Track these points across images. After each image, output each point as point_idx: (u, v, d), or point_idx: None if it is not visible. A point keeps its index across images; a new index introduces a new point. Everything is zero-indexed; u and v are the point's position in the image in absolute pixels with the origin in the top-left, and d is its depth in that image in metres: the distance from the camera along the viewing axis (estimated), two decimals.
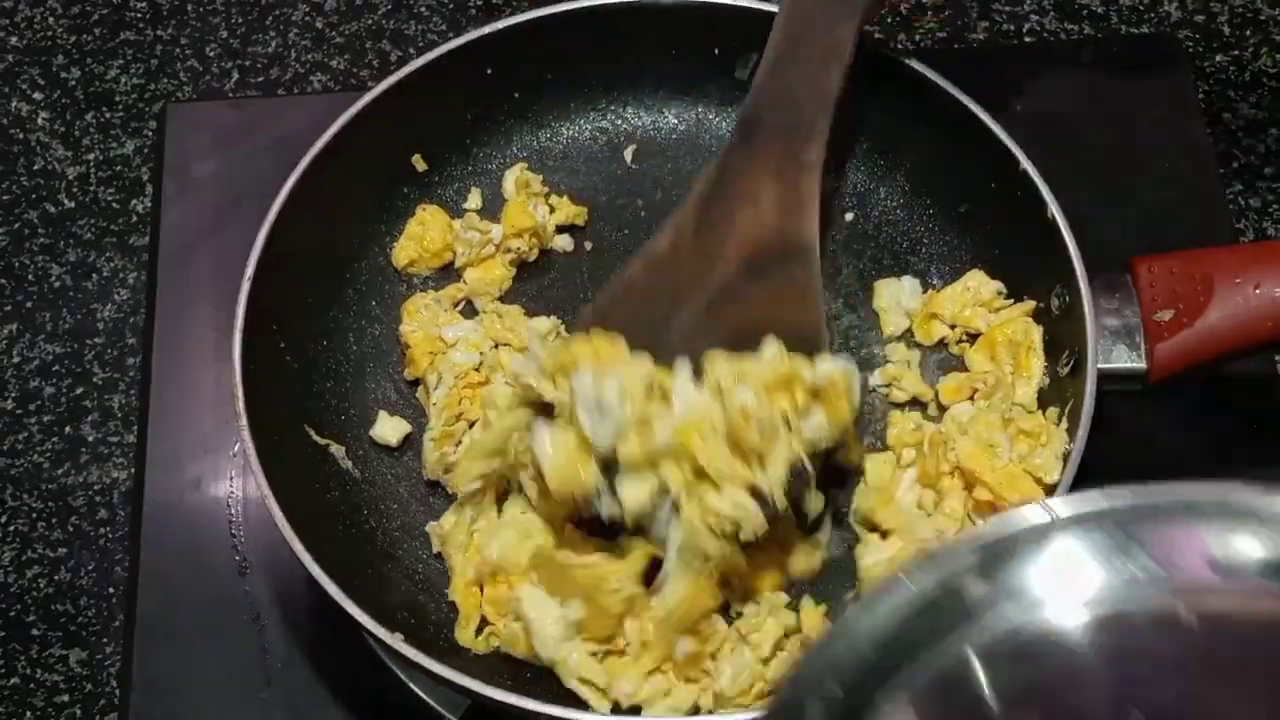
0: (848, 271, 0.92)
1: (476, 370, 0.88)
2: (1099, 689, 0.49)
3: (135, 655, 0.87)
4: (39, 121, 1.08)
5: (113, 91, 1.09)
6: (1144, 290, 0.81)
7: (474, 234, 0.91)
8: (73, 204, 1.04)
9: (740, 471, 0.73)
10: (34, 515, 0.93)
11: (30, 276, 1.02)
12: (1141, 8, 1.10)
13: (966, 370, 0.88)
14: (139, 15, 1.12)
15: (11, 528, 0.93)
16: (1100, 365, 0.79)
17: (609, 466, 0.74)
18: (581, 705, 0.76)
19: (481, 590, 0.81)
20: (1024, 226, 0.85)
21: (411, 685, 0.84)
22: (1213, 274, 0.80)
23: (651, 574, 0.77)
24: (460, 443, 0.85)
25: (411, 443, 0.87)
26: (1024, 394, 0.83)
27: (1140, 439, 0.91)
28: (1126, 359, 0.80)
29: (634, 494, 0.73)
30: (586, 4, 0.92)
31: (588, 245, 0.94)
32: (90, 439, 0.96)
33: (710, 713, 0.76)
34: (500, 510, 0.83)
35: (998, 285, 0.88)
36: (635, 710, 0.76)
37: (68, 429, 0.96)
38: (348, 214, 0.91)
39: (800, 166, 0.83)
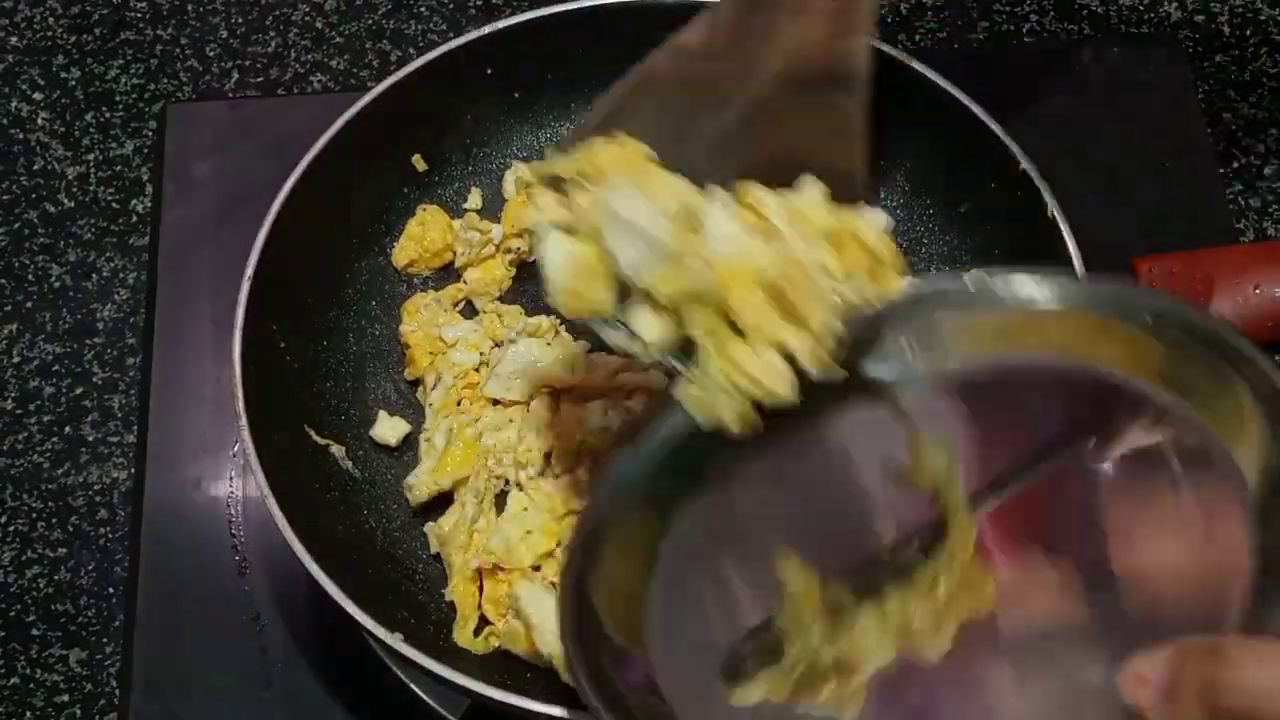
0: None
1: (476, 370, 0.88)
2: None
3: (135, 655, 0.87)
4: (39, 121, 1.08)
5: (113, 91, 1.09)
6: None
7: (474, 234, 0.91)
8: (73, 204, 1.04)
9: (779, 329, 0.62)
10: (34, 515, 0.93)
11: (30, 276, 1.02)
12: (1141, 8, 1.10)
13: None
14: (139, 15, 1.12)
15: (11, 528, 0.93)
16: None
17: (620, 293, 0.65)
18: (581, 706, 0.76)
19: (480, 590, 0.81)
20: (1024, 227, 0.85)
21: (411, 685, 0.84)
22: (1213, 274, 0.80)
23: None
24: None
25: (411, 443, 0.87)
26: None
27: None
28: None
29: (652, 326, 0.64)
30: (586, 4, 0.92)
31: None
32: (90, 439, 0.96)
33: None
34: (500, 509, 0.83)
35: None
36: None
37: (68, 429, 0.96)
38: (347, 214, 0.91)
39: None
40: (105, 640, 0.90)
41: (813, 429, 0.64)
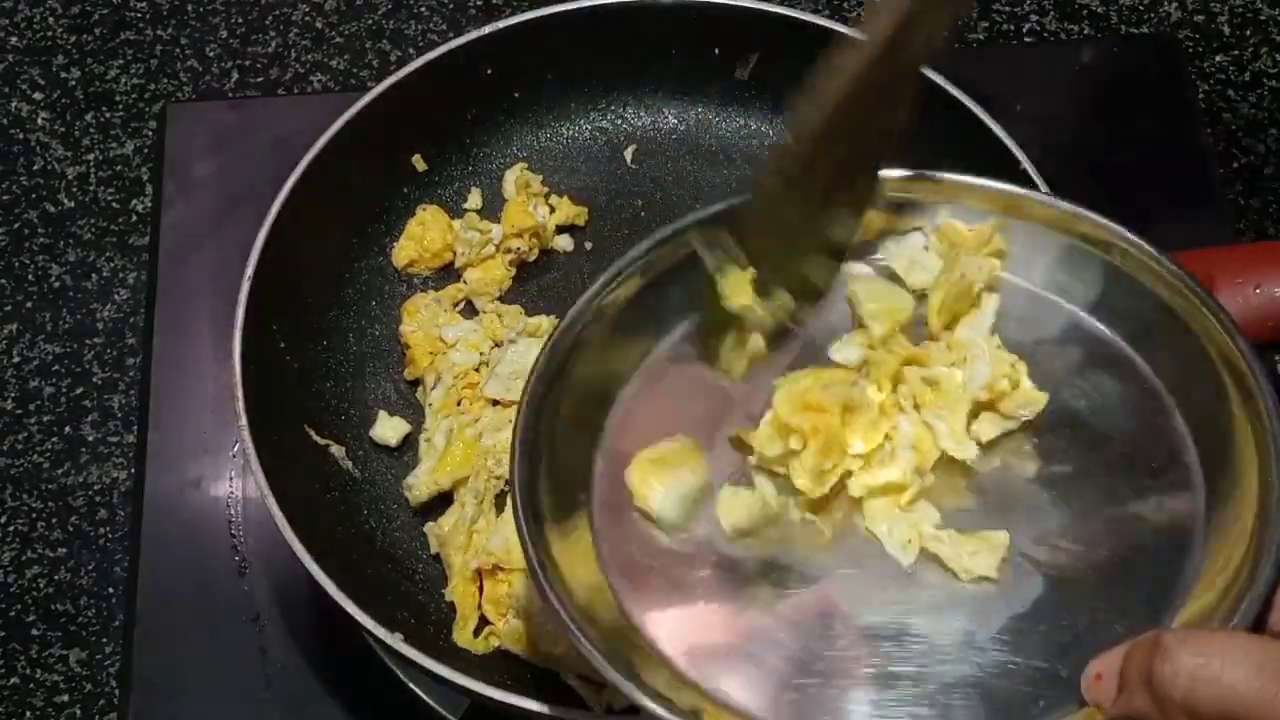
0: None
1: (476, 370, 0.88)
2: None
3: (135, 655, 0.87)
4: (39, 121, 1.08)
5: (113, 91, 1.09)
6: None
7: (474, 234, 0.91)
8: (72, 204, 1.04)
9: None
10: (34, 515, 0.93)
11: (30, 276, 1.02)
12: (1141, 8, 1.10)
13: None
14: (139, 15, 1.12)
15: (11, 528, 0.93)
16: None
17: None
18: (581, 705, 0.76)
19: (480, 590, 0.81)
20: None
21: (411, 685, 0.84)
22: (1213, 274, 0.80)
23: None
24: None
25: (411, 443, 0.87)
26: None
27: None
28: None
29: None
30: (586, 4, 0.92)
31: (588, 245, 0.94)
32: (90, 439, 0.96)
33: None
34: (500, 510, 0.83)
35: None
36: (634, 710, 0.76)
37: (67, 429, 0.96)
38: (347, 214, 0.91)
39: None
40: (105, 640, 0.90)
41: None
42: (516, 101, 0.95)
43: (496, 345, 0.88)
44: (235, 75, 1.09)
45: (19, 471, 0.95)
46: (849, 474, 0.63)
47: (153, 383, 0.95)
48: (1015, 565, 0.61)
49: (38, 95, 1.09)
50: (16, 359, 0.99)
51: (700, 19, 0.92)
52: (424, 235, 0.92)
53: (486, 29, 0.91)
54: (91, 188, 1.05)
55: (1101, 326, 0.68)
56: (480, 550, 0.81)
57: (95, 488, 0.94)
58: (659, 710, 0.56)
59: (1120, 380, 0.66)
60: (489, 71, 0.92)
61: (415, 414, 0.88)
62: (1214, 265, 0.80)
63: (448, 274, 0.93)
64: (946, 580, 0.61)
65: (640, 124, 0.97)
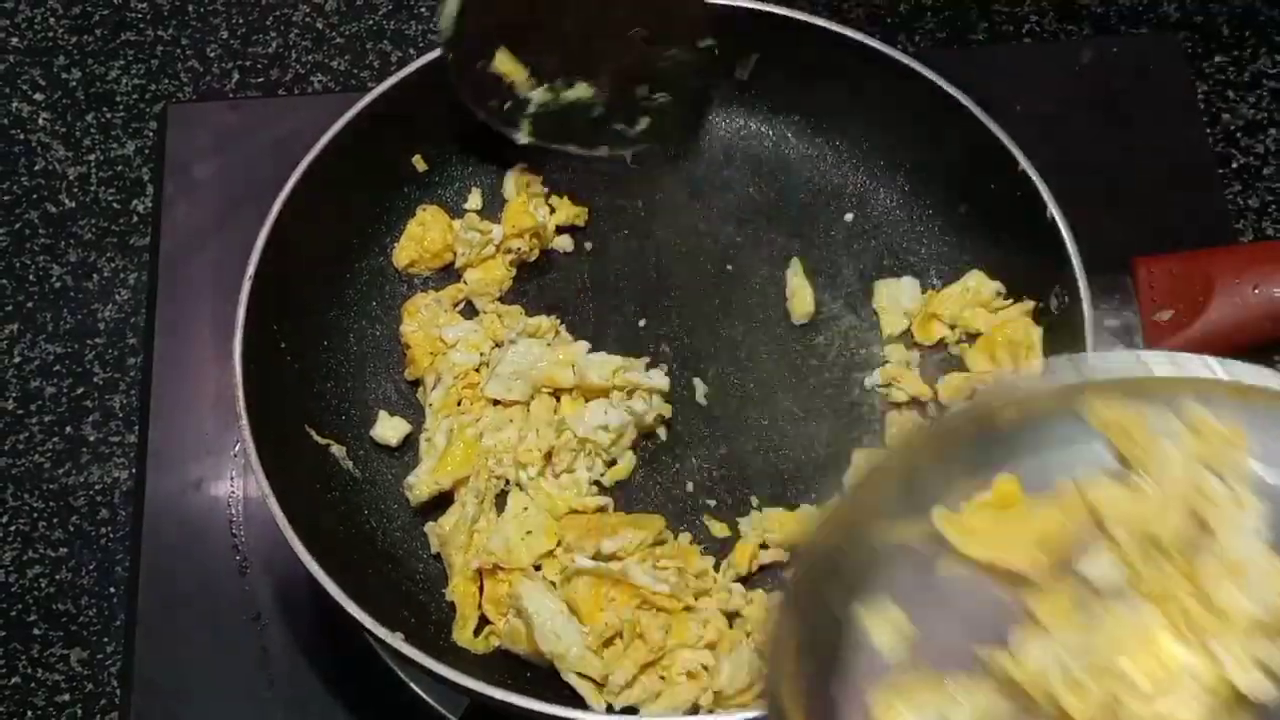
0: (847, 271, 0.92)
1: (476, 371, 0.88)
2: None
3: (136, 654, 0.87)
4: (40, 122, 1.08)
5: (113, 92, 1.09)
6: (1143, 291, 0.81)
7: (474, 234, 0.91)
8: (73, 204, 1.04)
9: None
10: (35, 515, 0.94)
11: (31, 277, 1.02)
12: (1141, 8, 1.10)
13: (966, 370, 0.88)
14: (140, 16, 1.12)
15: (13, 527, 0.93)
16: None
17: None
18: (581, 705, 0.76)
19: (481, 589, 0.81)
20: (1023, 227, 0.85)
21: (411, 685, 0.84)
22: (1212, 274, 0.80)
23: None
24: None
25: (411, 443, 0.87)
26: None
27: None
28: None
29: None
30: None
31: (588, 245, 0.94)
32: (91, 439, 0.96)
33: (710, 712, 0.76)
34: (500, 510, 0.83)
35: (997, 285, 0.88)
36: (632, 710, 0.76)
37: (69, 429, 0.96)
38: (348, 214, 0.91)
39: None
40: (106, 640, 0.90)
41: None
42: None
43: (497, 345, 0.89)
44: (236, 76, 1.09)
45: (20, 471, 0.95)
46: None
47: (153, 383, 0.95)
48: None
49: (39, 96, 1.09)
50: (18, 359, 0.99)
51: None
52: (424, 236, 0.92)
53: None
54: (92, 188, 1.05)
55: None
56: (481, 550, 0.81)
57: (96, 487, 0.94)
58: None
59: None
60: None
61: (416, 414, 0.88)
62: (1213, 265, 0.81)
63: (448, 274, 0.93)
64: None
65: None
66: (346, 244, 0.91)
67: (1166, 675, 0.58)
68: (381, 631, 0.74)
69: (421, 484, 0.84)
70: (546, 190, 0.94)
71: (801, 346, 0.90)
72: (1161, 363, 0.66)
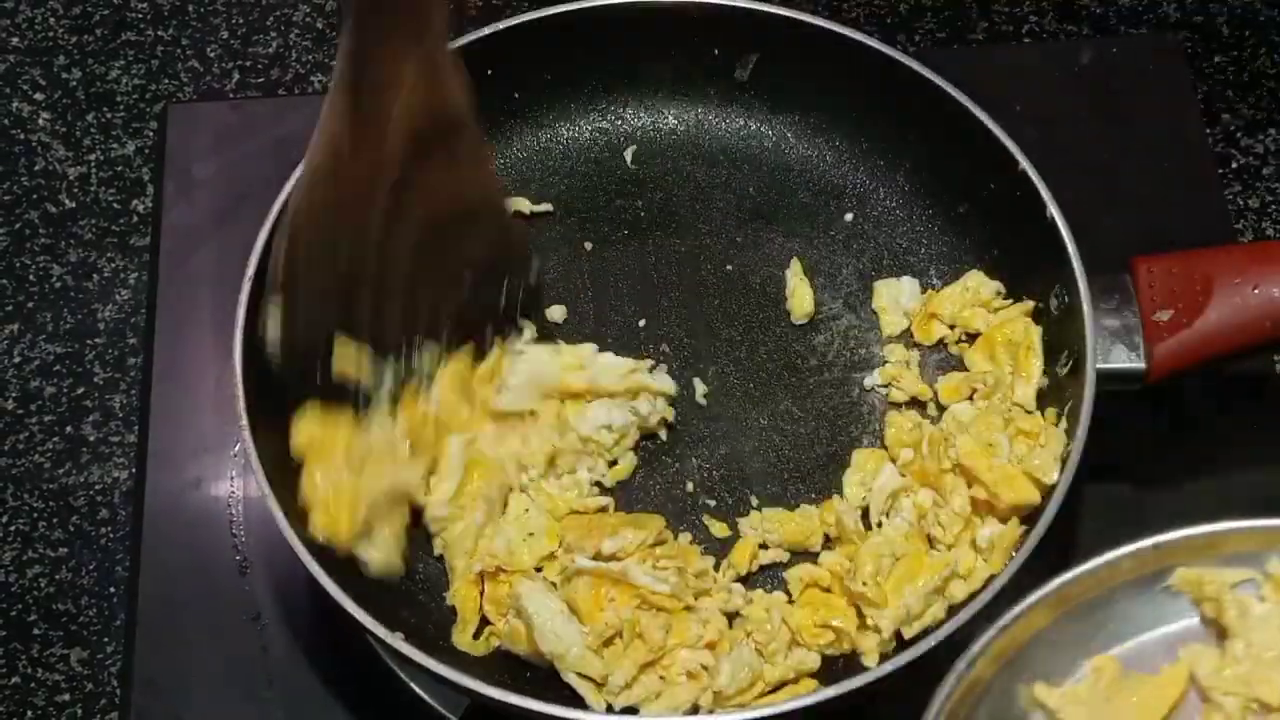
0: (847, 271, 0.92)
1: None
2: None
3: (136, 654, 0.87)
4: (40, 122, 1.08)
5: (114, 92, 1.09)
6: (1143, 290, 0.81)
7: None
8: (74, 204, 1.04)
9: None
10: (35, 515, 0.93)
11: (31, 277, 1.02)
12: (1140, 8, 1.10)
13: (966, 370, 0.88)
14: (140, 16, 1.12)
15: (13, 527, 0.93)
16: (1099, 365, 0.79)
17: None
18: (581, 705, 0.76)
19: (482, 592, 0.81)
20: (1023, 227, 0.85)
21: (412, 685, 0.84)
22: (1211, 274, 0.80)
23: None
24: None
25: None
26: (1023, 394, 0.83)
27: (1139, 439, 0.91)
28: (1125, 359, 0.80)
29: None
30: (586, 4, 0.92)
31: (588, 245, 0.94)
32: (91, 439, 0.96)
33: (710, 712, 0.76)
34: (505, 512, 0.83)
35: (997, 285, 0.88)
36: (632, 710, 0.76)
37: (69, 429, 0.96)
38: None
39: (432, 35, 0.77)
40: (106, 640, 0.90)
41: None
42: (516, 101, 0.95)
43: None
44: (236, 76, 1.09)
45: (20, 471, 0.95)
46: None
47: (153, 383, 0.95)
48: None
49: (39, 96, 1.09)
50: (18, 359, 0.99)
51: (700, 19, 0.92)
52: None
53: (486, 29, 0.91)
54: (93, 188, 1.05)
55: None
56: (484, 553, 0.81)
57: (96, 487, 0.94)
58: None
59: None
60: (489, 72, 0.92)
61: None
62: (1213, 265, 0.80)
63: None
64: None
65: (640, 124, 0.97)
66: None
67: None
68: (381, 631, 0.74)
69: (450, 514, 0.82)
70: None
71: (801, 346, 0.90)
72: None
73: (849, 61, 0.91)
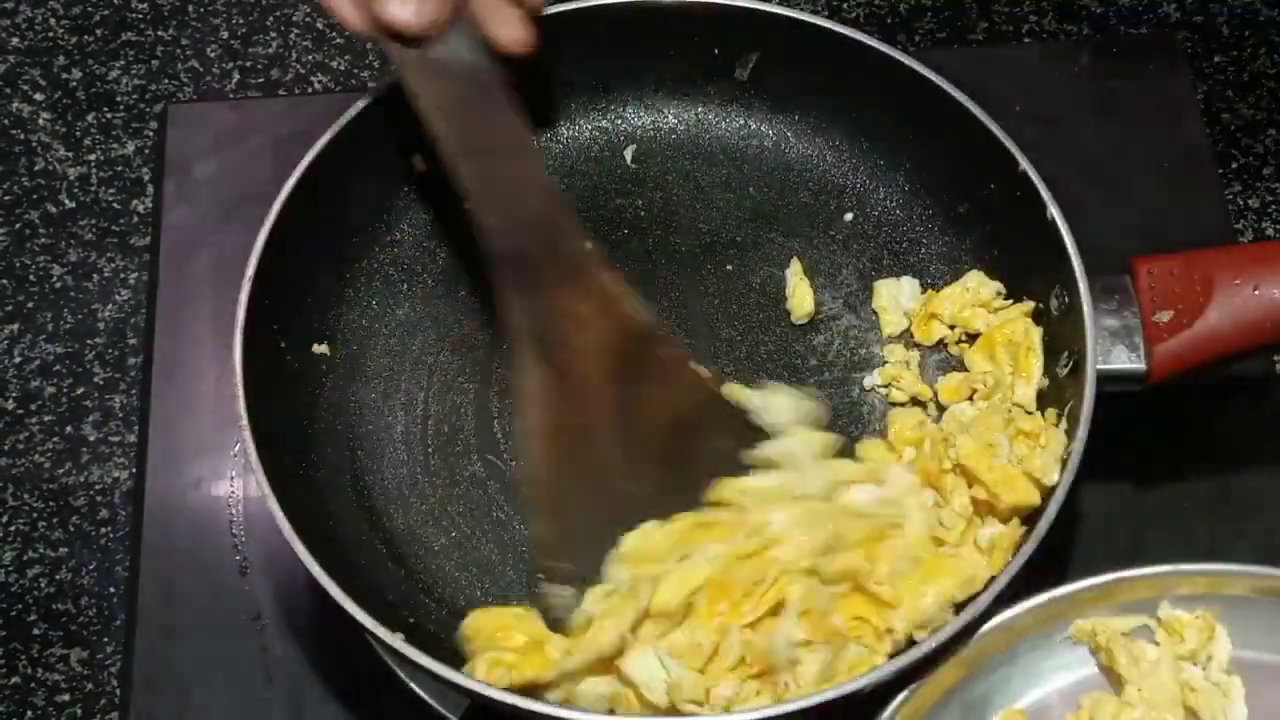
0: (847, 271, 0.92)
1: None
2: None
3: (136, 655, 0.87)
4: (40, 122, 1.08)
5: (114, 92, 1.09)
6: (1143, 291, 0.81)
7: None
8: (74, 204, 1.04)
9: None
10: (35, 515, 0.94)
11: (31, 277, 1.02)
12: (1140, 8, 1.10)
13: (966, 371, 0.88)
14: (140, 16, 1.12)
15: (13, 527, 0.93)
16: (1099, 366, 0.79)
17: None
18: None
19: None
20: (1023, 227, 0.85)
21: (412, 685, 0.84)
22: (1212, 275, 0.80)
23: None
24: None
25: None
26: (1023, 394, 0.83)
27: (1139, 439, 0.91)
28: (1126, 360, 0.80)
29: None
30: (587, 4, 0.92)
31: (588, 245, 0.94)
32: (91, 439, 0.96)
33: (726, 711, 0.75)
34: None
35: (997, 286, 0.88)
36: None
37: (69, 429, 0.96)
38: (348, 214, 0.91)
39: (586, 265, 0.79)
40: (106, 640, 0.90)
41: None
42: (516, 101, 0.95)
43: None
44: (236, 76, 1.09)
45: (20, 471, 0.95)
46: None
47: (154, 382, 0.95)
48: None
49: (39, 96, 1.09)
50: (18, 359, 0.99)
51: (700, 19, 0.92)
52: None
53: None
54: (93, 188, 1.05)
55: None
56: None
57: (96, 487, 0.94)
58: None
59: None
60: None
61: None
62: (1212, 266, 0.80)
63: None
64: None
65: (640, 124, 0.97)
66: (347, 243, 0.91)
67: None
68: (382, 632, 0.73)
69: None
70: None
71: (801, 346, 0.90)
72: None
73: (849, 61, 0.90)
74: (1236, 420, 0.93)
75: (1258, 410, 0.94)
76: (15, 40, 1.12)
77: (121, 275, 1.02)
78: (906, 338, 0.90)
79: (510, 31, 0.77)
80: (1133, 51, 1.07)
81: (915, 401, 0.88)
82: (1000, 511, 0.79)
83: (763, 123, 0.96)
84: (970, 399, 0.86)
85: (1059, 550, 0.86)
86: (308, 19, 1.12)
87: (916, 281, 0.91)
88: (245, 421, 0.78)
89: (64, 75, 1.10)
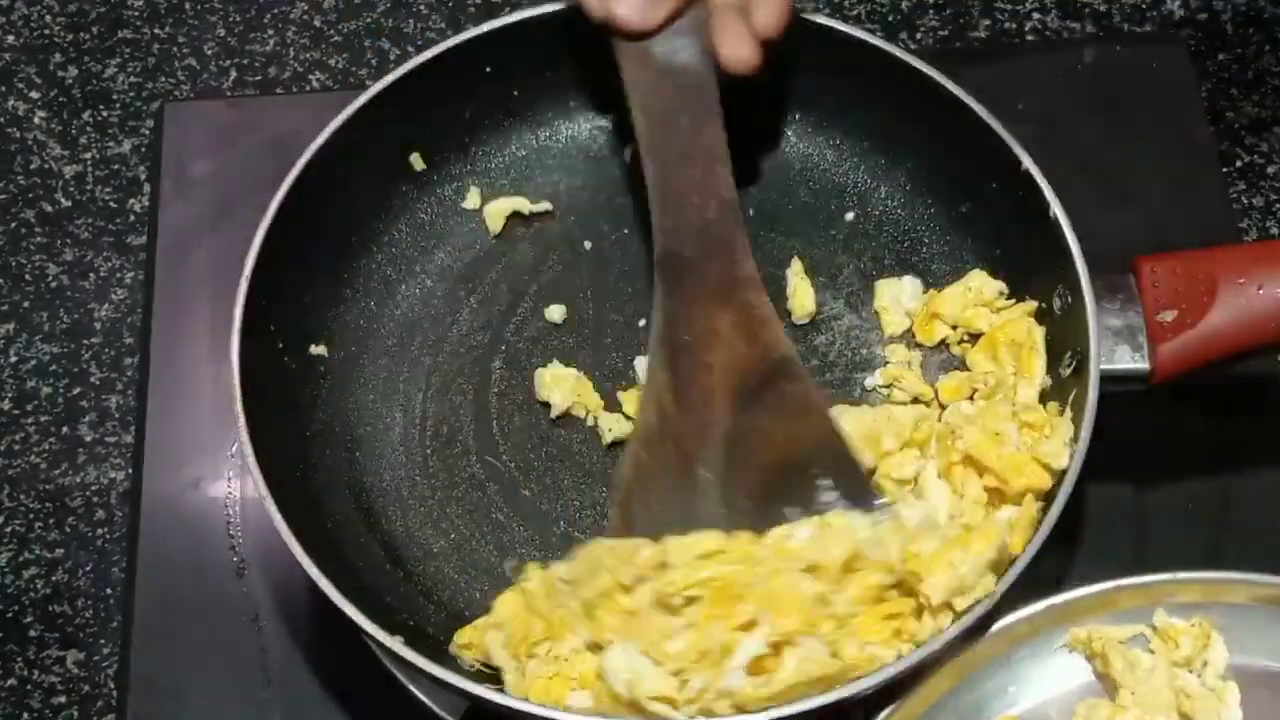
0: (848, 271, 0.92)
1: None
2: None
3: (133, 656, 0.87)
4: (36, 120, 1.08)
5: (110, 90, 1.09)
6: (1147, 291, 0.81)
7: None
8: (70, 203, 1.04)
9: None
10: (31, 516, 0.93)
11: (27, 276, 1.01)
12: (1144, 6, 1.10)
13: (968, 371, 0.87)
14: (136, 14, 1.12)
15: (9, 529, 0.93)
16: (1103, 366, 0.79)
17: None
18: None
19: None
20: (1026, 226, 0.85)
21: (411, 687, 0.84)
22: (1216, 274, 0.79)
23: None
24: None
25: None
26: (1026, 395, 0.83)
27: (1141, 439, 0.90)
28: (1129, 360, 0.80)
29: None
30: None
31: (588, 245, 0.94)
32: (88, 439, 0.95)
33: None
34: None
35: (999, 285, 0.88)
36: None
37: (65, 429, 0.96)
38: (346, 213, 0.90)
39: (743, 285, 0.80)
40: (103, 641, 0.89)
41: None
42: (516, 101, 0.95)
43: None
44: (233, 74, 1.09)
45: (16, 472, 0.94)
46: None
47: (150, 383, 0.95)
48: None
49: (35, 94, 1.09)
50: (14, 359, 0.98)
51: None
52: None
53: (486, 27, 0.91)
54: (89, 187, 1.05)
55: None
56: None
57: (93, 488, 0.94)
58: None
59: None
60: (488, 70, 0.92)
61: None
62: (1216, 265, 0.80)
63: None
64: None
65: None
66: (345, 243, 0.91)
67: None
68: (380, 635, 0.73)
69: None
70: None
71: (802, 346, 0.90)
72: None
73: (850, 59, 0.90)
74: (1239, 420, 0.93)
75: (1261, 410, 0.94)
76: (11, 37, 1.11)
77: (118, 275, 1.01)
78: (908, 338, 0.90)
79: (736, 49, 0.79)
80: (1136, 49, 1.07)
81: (917, 402, 0.87)
82: (1013, 496, 0.78)
83: (763, 121, 0.96)
84: (971, 398, 0.86)
85: (1059, 551, 0.86)
86: (305, 17, 1.11)
87: (918, 281, 0.91)
88: (243, 422, 0.78)
89: (60, 73, 1.09)
